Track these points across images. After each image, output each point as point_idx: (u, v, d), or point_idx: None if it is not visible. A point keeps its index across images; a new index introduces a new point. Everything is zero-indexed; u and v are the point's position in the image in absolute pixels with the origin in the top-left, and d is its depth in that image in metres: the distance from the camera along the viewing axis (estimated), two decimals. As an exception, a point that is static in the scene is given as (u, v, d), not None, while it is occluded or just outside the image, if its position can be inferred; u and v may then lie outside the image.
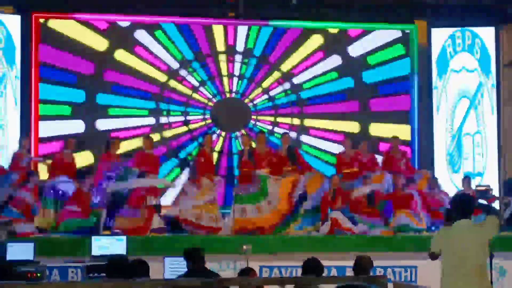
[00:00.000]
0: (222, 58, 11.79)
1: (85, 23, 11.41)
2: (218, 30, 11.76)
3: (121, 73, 11.46)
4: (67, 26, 11.35)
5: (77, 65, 11.29)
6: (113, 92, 11.44)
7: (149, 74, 11.53)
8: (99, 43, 11.43)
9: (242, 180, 9.93)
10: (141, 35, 11.54)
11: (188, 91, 11.71)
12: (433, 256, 5.27)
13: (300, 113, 11.93)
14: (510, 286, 7.15)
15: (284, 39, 11.83)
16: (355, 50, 11.95)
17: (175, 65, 11.63)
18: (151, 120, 11.55)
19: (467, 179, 10.64)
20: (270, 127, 11.85)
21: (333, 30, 11.93)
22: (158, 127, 11.57)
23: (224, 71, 11.78)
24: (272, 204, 9.51)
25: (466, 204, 5.32)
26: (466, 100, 11.97)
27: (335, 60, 11.93)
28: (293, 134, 11.65)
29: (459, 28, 11.99)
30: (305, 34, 11.87)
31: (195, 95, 11.73)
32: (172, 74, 11.66)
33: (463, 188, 10.48)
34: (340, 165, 10.45)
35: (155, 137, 11.18)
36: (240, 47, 11.79)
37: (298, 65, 11.88)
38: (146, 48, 11.53)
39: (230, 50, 11.77)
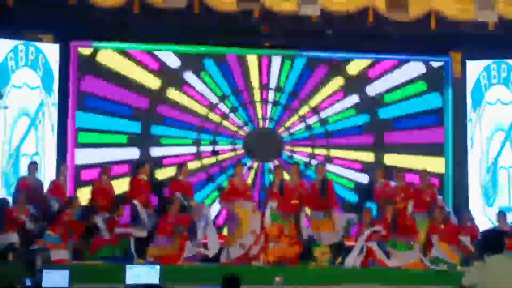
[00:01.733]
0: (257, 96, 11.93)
1: (124, 53, 11.58)
2: (253, 64, 11.89)
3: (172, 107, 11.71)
4: (105, 56, 11.53)
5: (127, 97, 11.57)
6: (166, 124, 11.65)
7: (195, 110, 11.73)
8: (150, 80, 11.69)
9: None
10: (189, 76, 11.75)
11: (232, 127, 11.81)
12: None
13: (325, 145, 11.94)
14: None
15: (312, 77, 11.90)
16: (373, 89, 12.01)
17: (215, 99, 11.80)
18: (193, 149, 11.68)
19: (502, 213, 10.52)
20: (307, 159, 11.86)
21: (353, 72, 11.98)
22: (199, 155, 11.67)
23: (259, 111, 11.89)
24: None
25: (498, 239, 5.28)
26: (502, 132, 11.86)
27: (353, 99, 12.00)
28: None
29: (495, 60, 11.94)
30: (329, 75, 11.94)
31: (238, 130, 11.81)
32: (213, 108, 11.81)
33: (498, 223, 10.34)
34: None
35: (196, 164, 11.45)
36: (272, 84, 11.93)
37: (323, 101, 11.95)
38: (194, 88, 11.74)
39: (263, 86, 11.92)
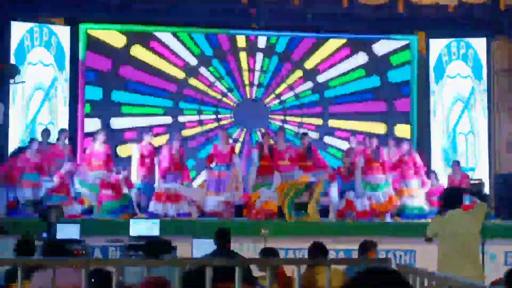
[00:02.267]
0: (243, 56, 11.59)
1: (125, 33, 11.45)
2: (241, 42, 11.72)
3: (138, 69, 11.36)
4: (107, 34, 11.40)
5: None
6: (129, 89, 11.35)
7: (168, 72, 11.42)
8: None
9: (262, 171, 9.87)
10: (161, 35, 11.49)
11: (218, 96, 11.63)
12: (428, 240, 5.32)
13: (322, 113, 11.77)
14: (499, 268, 7.07)
15: (304, 41, 11.67)
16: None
17: (193, 61, 11.48)
18: (167, 119, 11.43)
19: (456, 162, 10.53)
20: (280, 124, 11.73)
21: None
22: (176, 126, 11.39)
23: (245, 79, 11.71)
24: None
25: (456, 196, 5.34)
26: (460, 103, 11.88)
27: (361, 58, 11.74)
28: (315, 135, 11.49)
29: (455, 39, 11.90)
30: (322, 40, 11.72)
31: (224, 99, 11.67)
32: (192, 72, 11.51)
33: (453, 172, 10.36)
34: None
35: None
36: (262, 43, 11.61)
37: (320, 64, 11.68)
38: (165, 45, 11.42)
39: (252, 47, 11.61)
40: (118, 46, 11.37)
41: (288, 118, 11.82)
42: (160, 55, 11.43)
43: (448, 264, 5.05)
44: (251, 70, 11.70)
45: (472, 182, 9.45)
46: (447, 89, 11.91)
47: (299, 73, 11.79)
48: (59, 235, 7.24)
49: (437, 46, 11.98)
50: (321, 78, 11.81)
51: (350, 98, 11.80)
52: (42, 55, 10.87)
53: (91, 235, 7.93)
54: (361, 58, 11.86)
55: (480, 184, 8.92)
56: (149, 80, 11.39)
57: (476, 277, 4.93)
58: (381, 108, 11.90)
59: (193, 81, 11.57)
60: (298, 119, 11.80)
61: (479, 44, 11.86)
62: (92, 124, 11.11)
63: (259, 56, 11.72)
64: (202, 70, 11.58)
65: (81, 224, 7.65)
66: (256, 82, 11.73)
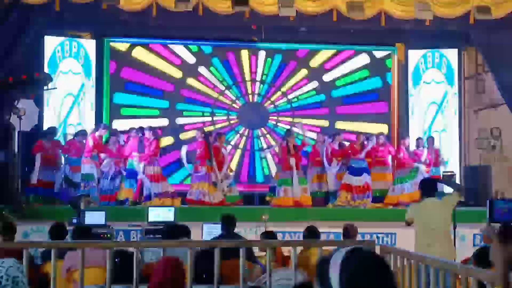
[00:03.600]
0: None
1: (144, 46, 11.44)
2: (245, 58, 11.66)
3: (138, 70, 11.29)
4: (129, 48, 11.41)
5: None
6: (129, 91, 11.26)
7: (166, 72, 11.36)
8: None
9: (287, 167, 9.75)
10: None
11: (214, 94, 11.58)
12: (408, 224, 5.35)
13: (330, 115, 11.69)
14: (469, 248, 7.07)
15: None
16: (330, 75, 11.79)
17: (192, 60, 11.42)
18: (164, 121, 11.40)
19: (431, 138, 10.51)
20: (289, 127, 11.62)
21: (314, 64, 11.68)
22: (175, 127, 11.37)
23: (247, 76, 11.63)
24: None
25: (432, 186, 5.36)
26: (435, 105, 11.86)
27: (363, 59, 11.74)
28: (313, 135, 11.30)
29: (430, 50, 11.86)
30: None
31: (221, 97, 11.62)
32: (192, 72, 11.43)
33: (427, 146, 10.29)
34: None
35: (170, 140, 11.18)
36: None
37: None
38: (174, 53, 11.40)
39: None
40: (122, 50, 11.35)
41: (283, 118, 11.80)
42: (162, 57, 11.35)
43: (423, 244, 5.07)
44: (252, 73, 11.66)
45: (445, 173, 9.44)
46: (423, 93, 11.88)
47: (304, 72, 11.68)
48: (87, 221, 7.23)
49: (415, 55, 11.95)
50: (326, 78, 11.71)
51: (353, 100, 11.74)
52: (72, 65, 10.89)
53: (115, 220, 7.94)
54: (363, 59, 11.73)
55: (452, 175, 8.90)
56: (150, 82, 11.29)
57: (447, 253, 4.95)
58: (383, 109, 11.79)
59: (194, 83, 11.47)
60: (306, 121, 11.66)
61: (451, 54, 11.86)
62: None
63: (261, 54, 11.57)
64: (202, 69, 11.47)
65: (106, 211, 7.65)
66: (258, 78, 11.60)
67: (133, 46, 11.34)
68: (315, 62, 11.85)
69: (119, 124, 11.14)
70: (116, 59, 11.34)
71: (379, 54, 11.95)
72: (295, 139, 10.17)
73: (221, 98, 11.65)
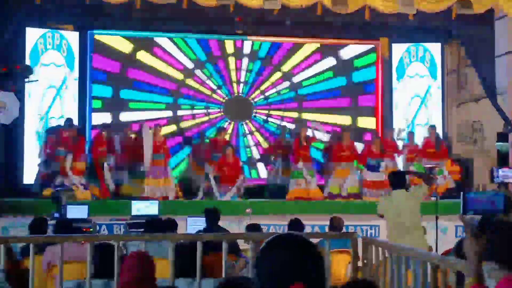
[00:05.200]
0: (231, 61, 11.58)
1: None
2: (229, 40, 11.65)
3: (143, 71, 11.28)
4: (112, 40, 11.27)
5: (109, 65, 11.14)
6: (135, 88, 11.25)
7: (168, 73, 11.35)
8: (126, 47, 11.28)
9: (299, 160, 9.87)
10: (161, 39, 11.38)
11: (207, 91, 11.59)
12: (381, 216, 5.38)
13: (297, 108, 11.76)
14: (450, 240, 7.12)
15: (283, 46, 11.64)
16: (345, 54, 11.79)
17: (190, 65, 11.44)
18: (168, 113, 11.38)
19: (432, 126, 10.62)
20: (265, 117, 11.74)
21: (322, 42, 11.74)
22: (176, 119, 11.38)
23: (233, 77, 11.65)
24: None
25: (401, 178, 5.37)
26: (418, 98, 11.91)
27: (330, 62, 11.77)
28: (291, 126, 11.49)
29: (413, 43, 11.89)
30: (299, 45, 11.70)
31: (214, 95, 11.63)
32: (188, 74, 11.43)
33: (428, 135, 10.41)
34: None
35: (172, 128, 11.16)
36: (247, 50, 11.60)
37: (296, 66, 11.67)
38: (165, 50, 11.33)
39: (238, 53, 11.57)
40: (125, 52, 11.24)
41: (271, 112, 11.79)
42: (162, 60, 11.34)
43: (393, 236, 5.08)
44: (238, 69, 11.62)
45: (428, 166, 9.50)
46: (407, 86, 11.92)
47: (278, 75, 11.74)
48: (69, 215, 7.16)
49: (398, 49, 11.98)
50: (296, 79, 11.75)
51: (321, 96, 11.77)
52: (55, 57, 10.71)
53: (98, 214, 7.85)
54: (329, 61, 11.82)
55: (433, 168, 8.96)
56: (153, 80, 11.28)
57: (417, 245, 4.97)
58: (347, 103, 11.87)
59: (189, 81, 11.47)
60: (280, 113, 11.77)
61: (435, 48, 11.89)
62: (103, 118, 10.98)
63: (245, 60, 11.65)
64: (198, 72, 11.50)
65: (89, 205, 7.56)
66: (242, 80, 11.66)
67: (136, 48, 11.25)
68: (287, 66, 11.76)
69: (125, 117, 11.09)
70: (101, 52, 11.18)
71: (346, 55, 11.83)
72: (306, 131, 10.29)
73: (214, 95, 11.61)
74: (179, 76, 11.47)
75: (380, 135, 11.15)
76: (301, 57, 11.74)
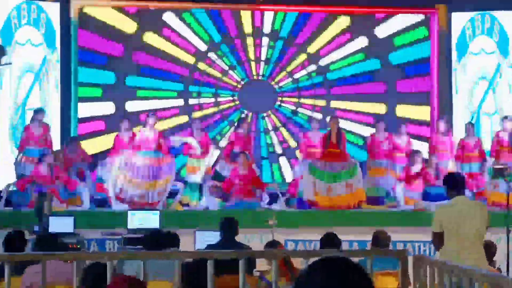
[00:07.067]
0: (250, 41, 11.71)
1: (119, 9, 11.44)
2: (245, 14, 11.73)
3: (150, 55, 11.48)
4: (102, 12, 11.42)
5: (109, 47, 11.34)
6: (142, 74, 11.46)
7: (178, 57, 11.54)
8: (129, 26, 11.47)
9: (329, 157, 9.82)
10: (169, 17, 11.55)
11: (218, 74, 11.72)
12: (436, 237, 5.13)
13: (326, 95, 11.84)
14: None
15: (310, 22, 11.74)
16: (382, 31, 11.85)
17: (203, 47, 11.61)
18: (180, 102, 11.59)
19: (470, 124, 10.58)
20: (294, 108, 11.83)
21: (359, 12, 11.80)
22: (188, 109, 11.59)
23: (251, 55, 11.75)
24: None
25: (460, 182, 5.31)
26: (485, 81, 11.81)
27: (362, 42, 11.83)
28: (318, 116, 11.59)
29: (479, 12, 11.80)
30: (331, 17, 11.78)
31: (225, 78, 11.75)
32: (201, 57, 11.64)
33: (467, 134, 10.43)
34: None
35: (184, 118, 11.27)
36: (267, 29, 11.74)
37: (324, 47, 11.76)
38: (175, 31, 11.52)
39: (257, 33, 11.70)
40: (129, 32, 11.44)
41: (302, 100, 11.82)
42: (172, 42, 11.54)
43: (450, 250, 5.03)
44: (257, 46, 11.69)
45: (496, 167, 9.43)
46: (470, 66, 11.85)
47: (303, 57, 11.81)
48: (52, 228, 7.30)
49: (459, 19, 11.90)
50: (324, 61, 11.82)
51: (351, 80, 11.83)
52: (31, 34, 10.87)
53: (86, 228, 8.00)
54: (362, 41, 11.86)
55: (503, 169, 8.88)
56: (160, 64, 11.49)
57: (483, 265, 4.95)
58: (381, 89, 11.89)
59: (203, 66, 11.65)
60: (310, 101, 11.81)
61: (506, 17, 11.77)
62: (106, 108, 11.24)
63: (265, 40, 11.73)
64: (213, 56, 11.67)
65: (75, 217, 7.70)
66: (263, 58, 11.71)
67: (142, 31, 11.38)
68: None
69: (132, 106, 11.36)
70: (86, 27, 11.34)
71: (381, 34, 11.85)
72: (338, 124, 10.15)
73: (224, 78, 11.72)
74: (190, 59, 11.60)
75: (434, 127, 11.12)
76: (329, 38, 11.77)
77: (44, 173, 9.12)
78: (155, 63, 11.48)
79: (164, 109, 11.45)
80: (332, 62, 11.83)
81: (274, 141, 11.81)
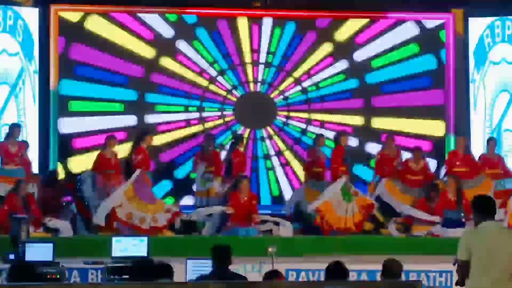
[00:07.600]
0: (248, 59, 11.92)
1: (104, 16, 11.54)
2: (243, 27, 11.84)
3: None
4: (83, 18, 11.52)
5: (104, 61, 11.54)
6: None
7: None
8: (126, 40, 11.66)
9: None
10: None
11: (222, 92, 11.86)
12: (463, 267, 5.04)
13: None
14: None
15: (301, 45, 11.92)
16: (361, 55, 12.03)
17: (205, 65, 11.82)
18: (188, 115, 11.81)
19: (493, 140, 10.70)
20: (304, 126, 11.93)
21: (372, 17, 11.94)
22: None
23: (250, 77, 11.91)
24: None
25: (488, 205, 5.26)
26: (506, 94, 11.86)
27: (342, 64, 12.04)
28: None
29: (499, 17, 11.88)
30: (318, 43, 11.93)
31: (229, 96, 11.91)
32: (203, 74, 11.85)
33: (488, 151, 10.58)
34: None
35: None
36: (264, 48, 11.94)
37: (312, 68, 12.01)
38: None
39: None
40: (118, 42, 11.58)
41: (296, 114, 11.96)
42: (127, 29, 11.63)
43: (478, 282, 4.98)
44: (255, 51, 11.86)
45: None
46: (490, 77, 11.91)
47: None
48: (29, 257, 7.29)
49: (478, 25, 11.98)
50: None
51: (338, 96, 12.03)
52: (6, 42, 10.95)
53: (67, 256, 7.99)
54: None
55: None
56: (110, 64, 11.60)
57: None
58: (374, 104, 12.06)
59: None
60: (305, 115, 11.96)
61: (529, 22, 11.89)
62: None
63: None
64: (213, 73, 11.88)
65: (54, 243, 7.70)
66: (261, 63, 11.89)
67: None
68: (341, 34, 11.93)
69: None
70: (66, 34, 11.42)
71: (430, 23, 12.02)
72: (348, 139, 10.58)
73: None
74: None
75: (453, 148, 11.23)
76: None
77: (18, 204, 9.16)
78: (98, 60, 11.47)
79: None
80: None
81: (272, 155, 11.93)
